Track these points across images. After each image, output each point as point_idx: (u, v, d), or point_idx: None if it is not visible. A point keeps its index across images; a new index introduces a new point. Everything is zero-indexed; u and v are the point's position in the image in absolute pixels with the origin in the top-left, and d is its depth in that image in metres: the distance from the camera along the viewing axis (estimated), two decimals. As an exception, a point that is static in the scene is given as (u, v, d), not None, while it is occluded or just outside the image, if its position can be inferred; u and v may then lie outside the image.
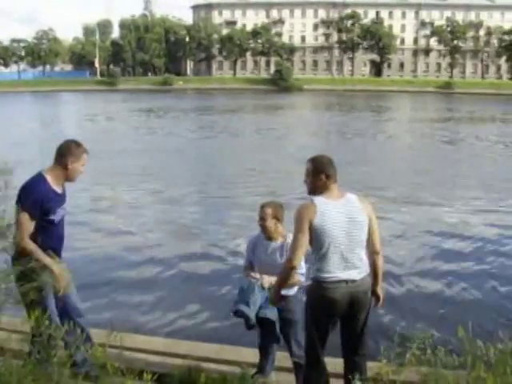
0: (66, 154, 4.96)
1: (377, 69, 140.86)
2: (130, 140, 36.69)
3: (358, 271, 4.81)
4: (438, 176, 23.22)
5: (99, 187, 20.32)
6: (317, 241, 4.74)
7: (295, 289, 5.77)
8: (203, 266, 12.27)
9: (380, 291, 5.16)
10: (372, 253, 5.02)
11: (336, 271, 4.74)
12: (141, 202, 18.47)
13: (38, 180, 4.86)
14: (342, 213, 4.73)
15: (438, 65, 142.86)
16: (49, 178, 4.90)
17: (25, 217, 4.72)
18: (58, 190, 5.00)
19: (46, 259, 4.77)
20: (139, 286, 11.01)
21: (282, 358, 6.34)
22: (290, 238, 5.60)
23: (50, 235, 4.92)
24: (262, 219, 5.72)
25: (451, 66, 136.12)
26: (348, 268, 4.76)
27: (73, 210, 17.37)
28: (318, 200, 4.76)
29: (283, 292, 5.55)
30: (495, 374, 3.60)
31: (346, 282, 4.74)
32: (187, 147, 33.52)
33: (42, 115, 59.53)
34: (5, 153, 26.59)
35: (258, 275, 5.70)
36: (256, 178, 22.21)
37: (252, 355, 6.40)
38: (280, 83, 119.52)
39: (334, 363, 5.81)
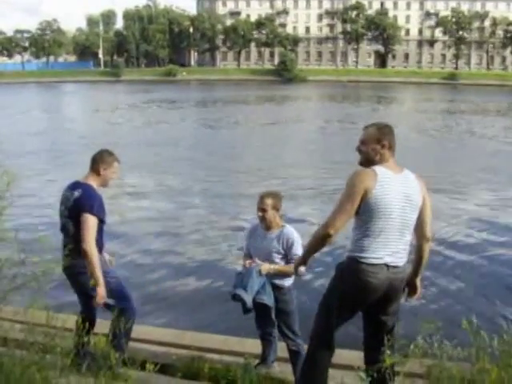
0: (98, 161, 5.42)
1: (381, 60, 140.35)
2: (134, 132, 36.69)
3: (402, 257, 4.38)
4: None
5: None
6: (369, 214, 4.23)
7: (292, 279, 5.81)
8: (207, 256, 12.30)
9: (419, 283, 4.73)
10: (421, 238, 4.54)
11: (380, 253, 4.26)
12: (145, 191, 18.52)
13: (91, 189, 5.34)
14: (399, 187, 4.27)
15: (443, 56, 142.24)
16: (94, 185, 5.39)
17: (94, 221, 5.24)
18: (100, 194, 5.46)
19: (99, 274, 5.21)
20: (142, 276, 11.03)
21: (284, 348, 6.35)
22: (286, 227, 5.73)
23: (101, 234, 5.47)
24: (263, 210, 5.68)
25: (456, 57, 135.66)
26: (393, 251, 4.30)
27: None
28: (380, 169, 4.28)
29: (278, 282, 5.69)
30: (500, 366, 3.59)
31: (388, 266, 4.27)
32: (193, 138, 33.54)
33: (49, 105, 59.56)
34: (22, 143, 26.73)
35: (257, 261, 5.69)
36: (265, 171, 22.20)
37: (255, 346, 6.41)
38: (284, 74, 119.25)
39: (337, 354, 5.81)
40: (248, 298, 5.54)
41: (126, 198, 17.80)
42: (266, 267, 5.63)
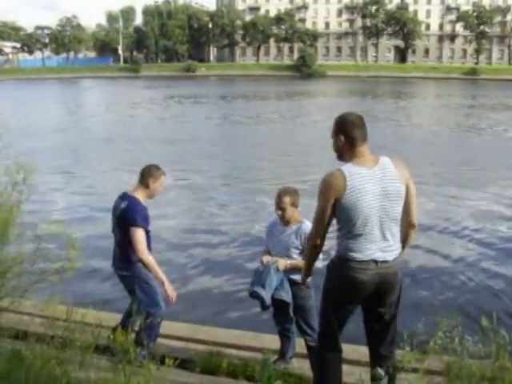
0: (147, 175, 5.86)
1: (401, 55, 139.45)
2: (158, 127, 36.84)
3: (391, 251, 4.26)
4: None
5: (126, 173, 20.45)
6: (346, 217, 4.18)
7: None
8: (225, 252, 12.31)
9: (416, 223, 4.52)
10: (407, 225, 4.41)
11: (367, 250, 4.18)
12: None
13: (135, 201, 5.76)
14: (375, 184, 4.11)
15: (464, 51, 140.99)
16: (140, 197, 5.80)
17: (141, 233, 5.70)
18: (146, 205, 5.87)
19: (161, 274, 5.83)
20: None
21: (303, 344, 6.34)
22: (305, 223, 5.67)
23: (148, 241, 5.85)
24: (282, 209, 5.67)
25: (477, 51, 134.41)
26: (380, 247, 4.19)
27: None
28: (348, 169, 4.14)
29: (296, 278, 5.59)
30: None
31: (377, 262, 4.18)
32: (215, 134, 33.63)
33: (70, 101, 59.83)
34: (46, 138, 26.91)
35: (274, 258, 5.69)
36: (285, 164, 22.18)
37: (273, 341, 6.41)
38: (303, 70, 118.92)
39: (355, 350, 5.78)
40: (267, 296, 5.55)
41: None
42: (282, 263, 5.63)
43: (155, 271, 5.80)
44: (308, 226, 5.59)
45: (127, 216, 5.73)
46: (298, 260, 5.66)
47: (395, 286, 4.35)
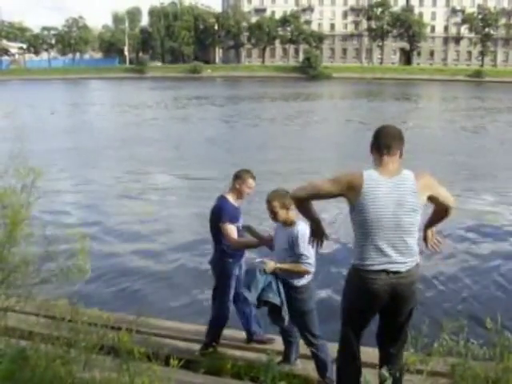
0: (236, 178, 6.41)
1: (406, 57, 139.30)
2: (161, 128, 36.90)
3: (404, 262, 4.29)
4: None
5: (130, 175, 20.50)
6: (359, 220, 4.30)
7: (306, 278, 5.75)
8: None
9: (431, 234, 4.71)
10: (445, 208, 4.49)
11: (377, 260, 4.26)
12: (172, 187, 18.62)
13: (223, 201, 6.37)
14: (391, 194, 4.22)
15: (469, 53, 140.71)
16: (229, 198, 6.38)
17: (229, 227, 6.22)
18: (236, 204, 6.43)
19: (253, 243, 6.35)
20: (167, 271, 11.09)
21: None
22: (297, 227, 5.65)
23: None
24: (273, 213, 5.77)
25: (482, 54, 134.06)
26: (392, 258, 4.25)
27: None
28: (369, 174, 4.29)
29: (291, 280, 5.70)
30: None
31: (388, 272, 4.24)
32: (225, 136, 33.72)
33: (78, 102, 59.90)
34: (60, 140, 26.95)
35: (264, 259, 5.79)
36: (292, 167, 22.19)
37: (278, 343, 6.42)
38: (309, 71, 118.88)
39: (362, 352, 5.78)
40: (251, 296, 5.69)
41: (155, 194, 17.93)
42: (271, 266, 5.68)
43: (249, 243, 6.42)
44: (297, 228, 5.64)
45: (215, 214, 6.37)
46: (290, 264, 5.67)
47: (409, 298, 4.41)
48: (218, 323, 6.54)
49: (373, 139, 4.46)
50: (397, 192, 4.23)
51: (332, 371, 5.54)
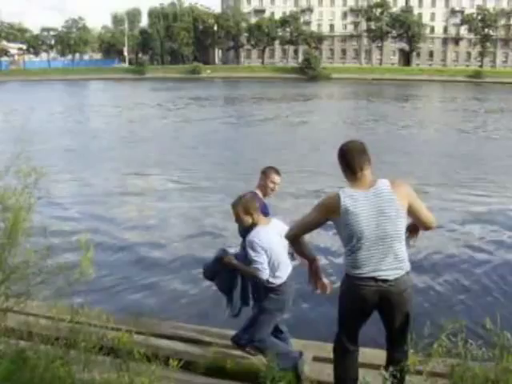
0: (261, 174, 6.55)
1: (406, 58, 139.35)
2: (161, 129, 36.91)
3: (392, 270, 4.44)
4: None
5: (131, 175, 20.49)
6: (343, 235, 4.51)
7: (276, 281, 5.80)
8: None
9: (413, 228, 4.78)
10: (424, 229, 4.69)
11: (365, 268, 4.43)
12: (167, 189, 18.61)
13: (254, 195, 6.25)
14: (369, 205, 4.36)
15: (468, 54, 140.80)
16: (258, 193, 6.42)
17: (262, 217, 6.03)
18: (263, 200, 6.42)
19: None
20: (165, 273, 11.09)
21: (308, 346, 6.35)
22: (254, 230, 5.76)
23: None
24: (238, 221, 5.90)
25: (481, 54, 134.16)
26: (379, 266, 4.41)
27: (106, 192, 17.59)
28: (344, 192, 4.44)
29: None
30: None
31: (376, 280, 4.41)
32: (225, 137, 33.74)
33: (78, 103, 59.92)
34: (62, 140, 26.86)
35: (229, 250, 6.09)
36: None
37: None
38: (308, 72, 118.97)
39: (361, 353, 5.77)
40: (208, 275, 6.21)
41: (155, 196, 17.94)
42: (226, 259, 5.95)
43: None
44: (250, 236, 5.73)
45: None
46: (243, 264, 5.87)
47: (400, 304, 4.55)
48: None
49: (342, 159, 4.59)
50: (376, 202, 4.38)
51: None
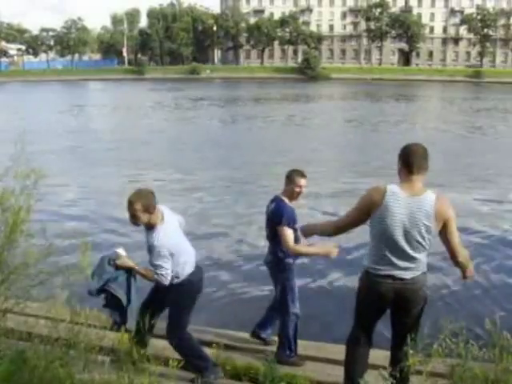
0: (286, 178, 6.37)
1: (405, 58, 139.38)
2: (162, 130, 36.94)
3: (409, 270, 4.60)
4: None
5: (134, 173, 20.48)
6: (373, 232, 4.65)
7: (178, 279, 5.67)
8: (225, 253, 12.34)
9: (462, 264, 4.75)
10: (451, 256, 4.75)
11: (384, 265, 4.60)
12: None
13: (281, 203, 6.28)
14: (407, 211, 4.47)
15: (468, 54, 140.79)
16: (284, 198, 6.31)
17: (287, 231, 6.11)
18: (292, 205, 6.32)
19: (313, 249, 6.31)
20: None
21: (313, 347, 6.35)
22: (154, 233, 5.45)
23: (295, 239, 6.18)
24: (134, 217, 5.44)
25: (481, 54, 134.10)
26: (397, 265, 4.57)
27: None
28: (391, 188, 4.54)
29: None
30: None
31: (393, 278, 4.58)
32: (226, 137, 33.79)
33: (80, 103, 59.90)
34: (56, 141, 26.78)
35: (119, 251, 5.55)
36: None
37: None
38: (308, 72, 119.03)
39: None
40: (93, 284, 5.37)
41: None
42: (122, 261, 5.50)
43: (308, 253, 6.46)
44: (154, 236, 5.44)
45: (274, 216, 6.25)
46: (144, 268, 5.59)
47: (414, 302, 4.70)
48: (292, 327, 6.39)
49: (402, 157, 4.63)
50: (413, 212, 4.47)
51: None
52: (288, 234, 6.12)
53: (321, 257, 6.40)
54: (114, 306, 5.50)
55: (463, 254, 4.70)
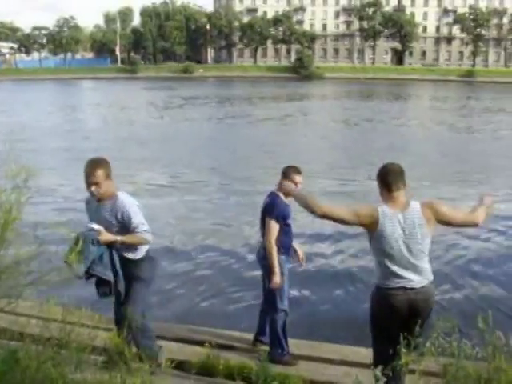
0: (282, 175, 6.43)
1: (398, 57, 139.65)
2: (155, 129, 36.88)
3: (418, 279, 4.84)
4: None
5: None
6: (377, 248, 4.86)
7: (144, 249, 5.62)
8: (221, 253, 12.32)
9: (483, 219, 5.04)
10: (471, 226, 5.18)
11: (394, 279, 4.80)
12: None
13: (275, 197, 6.38)
14: (402, 226, 4.75)
15: (461, 53, 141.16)
16: (280, 195, 6.36)
17: (273, 224, 6.25)
18: (287, 202, 6.37)
19: (274, 264, 6.24)
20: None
21: (304, 346, 6.35)
22: (119, 199, 5.38)
23: (288, 235, 6.45)
24: (96, 184, 5.24)
25: (474, 54, 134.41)
26: (407, 278, 4.80)
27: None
28: (383, 210, 4.79)
29: (127, 255, 5.47)
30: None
31: (405, 288, 4.79)
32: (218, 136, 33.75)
33: (72, 103, 59.72)
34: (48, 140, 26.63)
35: (95, 227, 5.32)
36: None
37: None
38: (301, 71, 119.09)
39: (355, 352, 5.77)
40: (78, 268, 5.15)
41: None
42: (105, 237, 5.31)
43: (270, 260, 6.26)
44: (121, 202, 5.39)
45: (266, 209, 6.38)
46: (128, 236, 5.39)
47: (424, 313, 4.89)
48: (280, 324, 6.42)
49: (380, 178, 4.91)
50: (407, 226, 4.76)
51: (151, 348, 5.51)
52: (273, 227, 6.26)
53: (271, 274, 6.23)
54: (106, 287, 5.45)
55: (478, 216, 4.98)
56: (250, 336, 6.87)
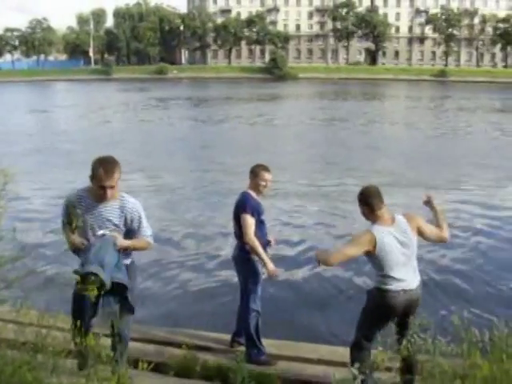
0: (250, 173, 6.53)
1: (372, 57, 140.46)
2: (129, 130, 36.68)
3: (414, 279, 5.38)
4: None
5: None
6: (378, 264, 5.28)
7: (132, 256, 5.40)
8: (197, 255, 12.30)
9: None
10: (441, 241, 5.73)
11: (395, 283, 5.24)
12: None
13: (246, 196, 6.44)
14: (395, 237, 5.26)
15: (433, 53, 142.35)
16: (250, 191, 6.48)
17: (249, 219, 6.28)
18: (258, 199, 6.51)
19: (264, 256, 6.29)
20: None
21: (282, 346, 6.36)
22: (126, 199, 5.13)
23: (263, 232, 6.50)
24: (112, 188, 4.93)
25: (446, 54, 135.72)
26: (406, 281, 5.28)
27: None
28: (376, 229, 5.26)
29: (125, 261, 5.13)
30: (491, 361, 3.60)
31: (405, 290, 5.25)
32: (188, 137, 33.63)
33: (46, 105, 59.19)
34: (20, 142, 26.31)
35: (112, 233, 5.02)
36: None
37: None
38: (275, 72, 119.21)
39: (333, 351, 5.80)
40: (106, 277, 4.65)
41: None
42: (122, 242, 5.03)
43: (258, 254, 6.29)
44: (134, 203, 5.15)
45: (238, 206, 6.44)
46: (138, 240, 5.20)
47: (417, 307, 5.38)
48: (253, 324, 6.43)
49: (362, 201, 5.41)
50: (399, 238, 5.30)
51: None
52: (249, 222, 6.30)
53: (263, 266, 6.33)
54: (122, 295, 4.94)
55: (446, 233, 5.67)
56: (228, 337, 6.88)
